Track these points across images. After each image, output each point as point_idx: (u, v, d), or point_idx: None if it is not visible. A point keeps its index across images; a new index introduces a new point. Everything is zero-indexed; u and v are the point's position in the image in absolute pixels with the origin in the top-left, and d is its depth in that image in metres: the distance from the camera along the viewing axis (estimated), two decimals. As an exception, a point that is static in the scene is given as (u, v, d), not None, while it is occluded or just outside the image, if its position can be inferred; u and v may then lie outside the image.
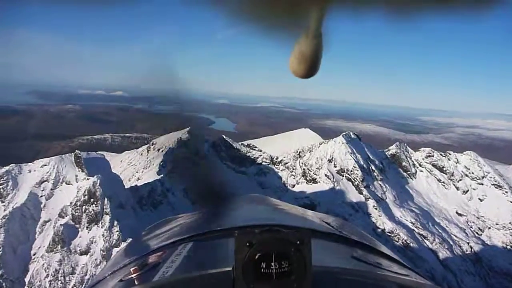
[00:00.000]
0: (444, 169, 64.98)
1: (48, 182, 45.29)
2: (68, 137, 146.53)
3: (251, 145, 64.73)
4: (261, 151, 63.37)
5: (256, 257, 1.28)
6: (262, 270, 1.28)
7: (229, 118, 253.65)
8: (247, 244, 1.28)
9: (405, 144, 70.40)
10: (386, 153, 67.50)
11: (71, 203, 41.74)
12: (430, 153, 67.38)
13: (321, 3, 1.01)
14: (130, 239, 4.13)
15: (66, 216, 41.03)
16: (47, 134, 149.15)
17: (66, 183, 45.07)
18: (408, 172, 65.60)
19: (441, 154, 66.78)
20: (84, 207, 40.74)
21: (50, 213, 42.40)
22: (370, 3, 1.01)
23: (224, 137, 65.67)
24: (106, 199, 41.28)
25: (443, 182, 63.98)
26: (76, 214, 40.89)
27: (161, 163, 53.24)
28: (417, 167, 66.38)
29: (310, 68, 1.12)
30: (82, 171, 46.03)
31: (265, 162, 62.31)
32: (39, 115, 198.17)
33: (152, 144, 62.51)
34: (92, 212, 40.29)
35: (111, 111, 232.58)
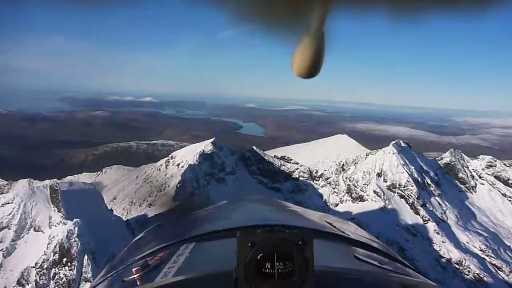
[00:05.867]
0: (510, 182, 56.30)
1: (10, 229, 33.61)
2: (93, 144, 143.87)
3: (285, 157, 57.18)
4: (297, 163, 55.67)
5: (258, 257, 1.30)
6: (264, 270, 1.29)
7: (257, 122, 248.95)
8: (249, 244, 1.30)
9: (460, 151, 61.95)
10: (439, 162, 59.28)
11: (36, 264, 29.99)
12: (492, 163, 58.82)
13: (323, 2, 1.00)
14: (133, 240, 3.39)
15: (28, 284, 29.26)
16: (73, 141, 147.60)
17: (34, 230, 33.17)
18: (467, 185, 57.15)
19: (504, 164, 58.05)
20: (53, 270, 28.93)
21: (7, 278, 30.65)
22: (374, 2, 0.99)
23: (255, 148, 58.60)
24: (86, 256, 30.28)
25: (509, 197, 55.31)
26: (41, 281, 28.84)
27: (177, 185, 45.24)
28: (477, 179, 57.81)
29: (312, 68, 1.11)
30: (59, 210, 34.33)
31: (303, 177, 54.72)
32: (66, 121, 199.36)
33: (172, 158, 55.56)
34: (64, 279, 28.60)
35: (139, 117, 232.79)
